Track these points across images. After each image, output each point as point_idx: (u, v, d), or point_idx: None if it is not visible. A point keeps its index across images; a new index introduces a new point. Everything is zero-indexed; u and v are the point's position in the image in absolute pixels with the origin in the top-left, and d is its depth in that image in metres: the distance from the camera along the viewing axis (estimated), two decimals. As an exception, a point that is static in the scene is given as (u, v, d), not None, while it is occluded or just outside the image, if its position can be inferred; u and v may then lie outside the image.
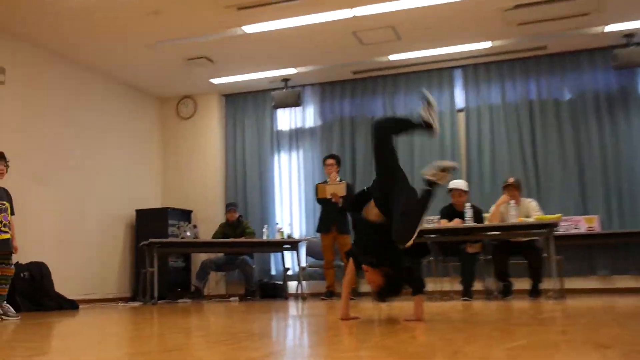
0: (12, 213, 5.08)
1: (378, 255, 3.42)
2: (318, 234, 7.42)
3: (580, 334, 2.71)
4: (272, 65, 8.03)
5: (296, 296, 7.68)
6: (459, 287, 6.35)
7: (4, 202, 4.98)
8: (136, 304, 7.21)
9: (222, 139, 9.13)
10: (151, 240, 7.06)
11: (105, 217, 7.95)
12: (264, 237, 7.68)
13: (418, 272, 3.66)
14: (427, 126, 3.55)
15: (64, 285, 6.57)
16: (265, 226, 7.88)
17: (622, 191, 7.34)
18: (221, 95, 9.16)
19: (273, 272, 8.52)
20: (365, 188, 3.74)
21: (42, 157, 7.02)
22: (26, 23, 6.49)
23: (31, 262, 6.25)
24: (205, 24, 6.64)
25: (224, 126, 9.17)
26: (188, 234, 7.72)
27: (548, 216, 5.98)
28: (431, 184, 3.44)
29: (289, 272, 8.07)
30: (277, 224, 8.07)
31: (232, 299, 7.90)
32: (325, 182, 7.21)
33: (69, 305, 6.34)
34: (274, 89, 8.50)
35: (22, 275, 5.98)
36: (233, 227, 7.98)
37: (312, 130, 8.74)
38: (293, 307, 5.79)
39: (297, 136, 8.81)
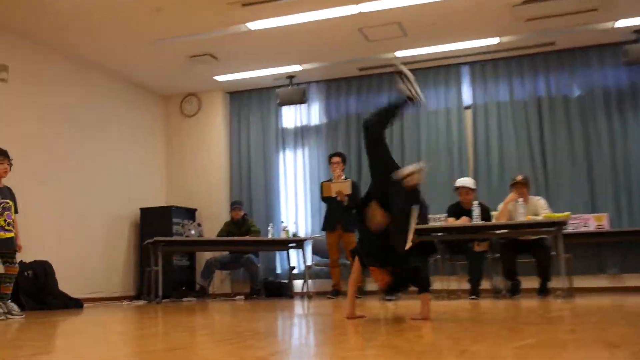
0: (16, 212, 5.06)
1: (382, 260, 3.41)
2: (324, 232, 7.37)
3: (589, 333, 2.68)
4: (277, 62, 7.99)
5: (302, 295, 7.64)
6: (466, 285, 6.30)
7: (8, 201, 4.97)
8: (141, 302, 7.20)
9: (227, 136, 9.10)
10: (156, 238, 7.03)
11: (109, 216, 7.93)
12: (269, 236, 7.64)
13: (424, 271, 3.64)
14: (411, 100, 3.50)
15: (68, 283, 6.56)
16: (271, 224, 7.83)
17: (631, 189, 7.28)
18: (225, 93, 9.12)
19: (278, 271, 8.49)
20: (367, 192, 3.70)
21: (45, 156, 7.00)
22: (28, 21, 6.47)
23: (35, 261, 6.25)
24: (209, 20, 6.60)
25: (228, 124, 9.13)
26: (192, 232, 7.68)
27: (557, 214, 5.94)
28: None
29: (295, 271, 8.04)
30: (282, 222, 8.03)
31: (237, 297, 7.86)
32: (330, 180, 7.16)
33: (73, 304, 6.33)
34: (279, 86, 8.45)
35: (26, 274, 5.98)
36: (238, 225, 7.94)
37: (317, 128, 8.69)
38: (298, 306, 5.77)
39: (302, 134, 8.76)
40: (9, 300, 4.92)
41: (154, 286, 6.98)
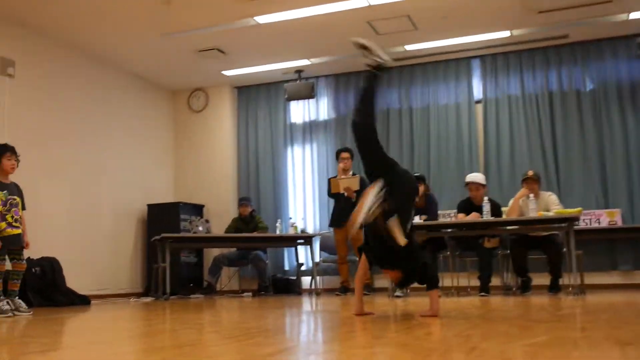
0: (24, 208, 5.05)
1: (391, 262, 3.38)
2: (332, 229, 7.32)
3: (600, 330, 2.63)
4: (285, 56, 7.93)
5: (310, 292, 7.60)
6: (476, 282, 6.23)
7: (15, 197, 4.95)
8: (148, 299, 7.17)
9: (235, 132, 9.06)
10: (163, 235, 7.01)
11: (117, 212, 7.92)
12: (277, 232, 7.60)
13: (433, 267, 3.59)
14: (381, 68, 3.45)
15: (75, 280, 6.54)
16: (279, 221, 7.79)
17: (645, 184, 7.16)
18: (233, 88, 9.08)
19: (286, 267, 8.45)
20: None
21: (52, 151, 6.98)
22: (36, 14, 6.46)
23: (42, 258, 6.24)
24: (217, 14, 6.56)
25: (236, 119, 9.09)
26: (200, 228, 7.65)
27: (568, 210, 5.86)
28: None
29: (303, 267, 8.00)
30: (290, 218, 7.98)
31: (245, 294, 7.84)
32: (336, 176, 7.10)
33: (81, 301, 6.31)
34: (287, 81, 8.39)
35: (33, 270, 5.97)
36: (246, 221, 7.90)
37: (326, 123, 8.63)
38: (307, 303, 5.73)
39: (310, 129, 8.71)
40: (17, 297, 4.90)
41: (162, 283, 6.96)
